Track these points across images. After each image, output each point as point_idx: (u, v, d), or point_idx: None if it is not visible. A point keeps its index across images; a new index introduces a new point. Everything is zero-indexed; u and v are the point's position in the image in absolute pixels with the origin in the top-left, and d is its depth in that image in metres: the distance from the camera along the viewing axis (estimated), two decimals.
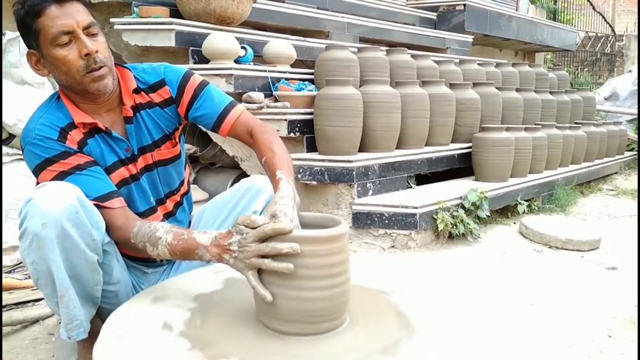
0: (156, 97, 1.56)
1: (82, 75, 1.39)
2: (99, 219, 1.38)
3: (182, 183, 1.69)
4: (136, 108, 1.53)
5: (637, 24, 10.57)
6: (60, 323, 1.48)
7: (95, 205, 1.37)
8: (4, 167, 2.75)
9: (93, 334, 1.50)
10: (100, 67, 1.40)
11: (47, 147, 1.39)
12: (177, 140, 1.64)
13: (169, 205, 1.65)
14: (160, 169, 1.60)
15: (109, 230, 1.40)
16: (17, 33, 3.01)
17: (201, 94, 1.56)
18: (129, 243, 1.38)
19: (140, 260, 1.66)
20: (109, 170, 1.48)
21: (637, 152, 6.01)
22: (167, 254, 1.32)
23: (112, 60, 1.47)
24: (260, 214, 1.68)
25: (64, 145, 1.41)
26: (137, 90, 1.54)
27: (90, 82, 1.40)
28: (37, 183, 1.43)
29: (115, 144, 1.51)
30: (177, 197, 1.67)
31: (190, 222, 1.78)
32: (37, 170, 1.41)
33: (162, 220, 1.61)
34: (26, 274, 2.35)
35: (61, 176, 1.38)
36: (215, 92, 1.59)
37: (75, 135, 1.44)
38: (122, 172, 1.52)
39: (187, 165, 1.74)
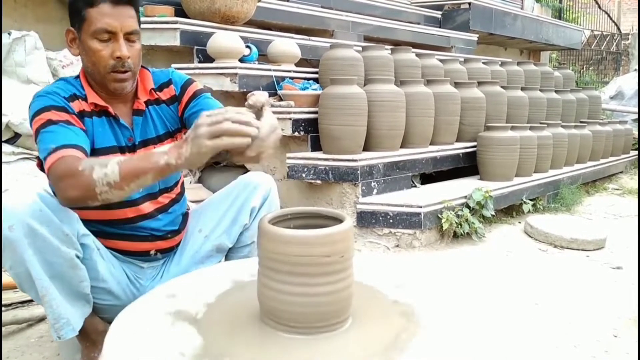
0: (163, 95, 1.61)
1: (107, 72, 1.44)
2: (67, 212, 1.36)
3: (176, 184, 1.70)
4: (146, 103, 1.59)
5: (638, 24, 10.52)
6: None
7: (52, 152, 1.28)
8: (10, 166, 2.76)
9: (95, 333, 1.51)
10: (126, 72, 1.46)
11: (53, 99, 1.42)
12: (178, 139, 1.65)
13: (162, 200, 1.65)
14: None
15: (55, 182, 1.27)
16: (23, 32, 3.02)
17: (199, 97, 1.61)
18: (77, 174, 1.22)
19: (135, 255, 1.65)
20: (101, 151, 1.48)
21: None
22: (116, 172, 1.18)
23: (140, 66, 1.54)
24: (258, 210, 1.69)
25: (67, 104, 1.44)
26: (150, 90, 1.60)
27: (112, 81, 1.46)
28: (35, 136, 1.38)
29: (120, 130, 1.53)
30: (172, 195, 1.68)
31: (184, 217, 1.77)
32: (33, 118, 1.40)
33: (155, 215, 1.61)
34: None
35: (47, 124, 1.36)
36: (212, 100, 1.63)
37: (84, 106, 1.48)
38: (117, 156, 1.48)
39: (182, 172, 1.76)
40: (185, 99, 1.61)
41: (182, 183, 1.75)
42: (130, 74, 1.47)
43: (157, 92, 1.61)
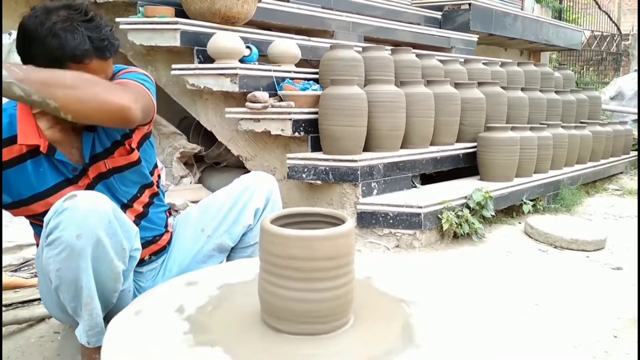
0: None
1: None
2: (130, 227, 1.38)
3: (147, 186, 1.63)
4: None
5: (638, 25, 10.53)
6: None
7: None
8: None
9: None
10: None
11: None
12: (131, 146, 1.54)
13: (137, 207, 1.61)
14: (116, 176, 1.55)
15: None
16: None
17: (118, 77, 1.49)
18: None
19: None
20: (51, 191, 1.44)
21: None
22: None
23: None
24: (262, 212, 1.69)
25: None
26: None
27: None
28: None
29: (60, 165, 1.46)
30: (144, 200, 1.64)
31: (166, 216, 1.75)
32: None
33: (138, 223, 1.58)
34: (32, 273, 2.36)
35: None
36: (131, 75, 1.49)
37: (10, 153, 1.40)
38: (70, 190, 1.44)
39: (156, 169, 1.69)
40: None
41: (154, 184, 1.67)
42: None
43: None
